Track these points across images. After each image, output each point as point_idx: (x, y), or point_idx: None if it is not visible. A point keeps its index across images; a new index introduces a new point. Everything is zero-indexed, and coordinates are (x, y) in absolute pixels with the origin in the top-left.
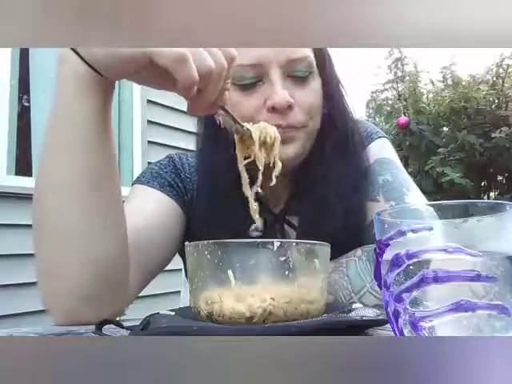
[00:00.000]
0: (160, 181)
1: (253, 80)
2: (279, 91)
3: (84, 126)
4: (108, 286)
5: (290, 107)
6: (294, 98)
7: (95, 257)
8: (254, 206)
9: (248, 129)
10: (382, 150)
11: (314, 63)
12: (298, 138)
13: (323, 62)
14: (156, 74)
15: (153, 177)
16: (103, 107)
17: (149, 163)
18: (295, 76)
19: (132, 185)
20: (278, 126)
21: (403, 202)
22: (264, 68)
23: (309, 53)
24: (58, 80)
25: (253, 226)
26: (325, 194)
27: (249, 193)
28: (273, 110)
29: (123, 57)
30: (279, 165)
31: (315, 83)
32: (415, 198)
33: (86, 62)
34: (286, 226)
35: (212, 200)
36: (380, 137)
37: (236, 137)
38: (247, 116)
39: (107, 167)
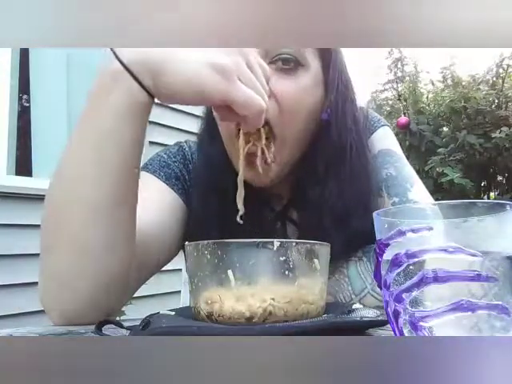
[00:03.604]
0: (167, 171)
1: None
2: None
3: (126, 148)
4: (112, 293)
5: None
6: (270, 88)
7: (105, 271)
8: (241, 193)
9: None
10: (384, 141)
11: (308, 58)
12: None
13: (327, 63)
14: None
15: (160, 166)
16: (145, 129)
17: None
18: (280, 66)
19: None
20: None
21: (406, 198)
22: None
23: None
24: (106, 100)
25: (239, 214)
26: (322, 218)
27: (241, 174)
28: None
29: (202, 95)
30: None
31: (305, 80)
32: (418, 193)
33: (146, 89)
34: (287, 223)
35: (208, 197)
36: (383, 125)
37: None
38: None
39: (133, 188)
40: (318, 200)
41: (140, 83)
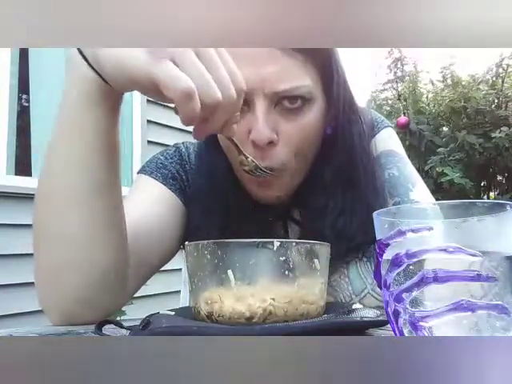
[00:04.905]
0: (164, 172)
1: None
2: (260, 127)
3: (90, 135)
4: (105, 291)
5: (271, 143)
6: (278, 132)
7: (93, 264)
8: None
9: (253, 160)
10: (387, 142)
11: (313, 91)
12: (276, 183)
13: (330, 82)
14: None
15: (157, 167)
16: (111, 116)
17: None
18: (287, 106)
19: (137, 173)
20: (256, 166)
21: (408, 198)
22: (250, 95)
23: (303, 82)
24: (67, 86)
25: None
26: (323, 227)
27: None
28: (254, 144)
29: (128, 75)
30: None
31: (310, 115)
32: (420, 193)
33: (95, 70)
34: (288, 223)
35: (208, 204)
36: (386, 126)
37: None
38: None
39: (110, 176)
40: (320, 208)
41: (88, 63)
